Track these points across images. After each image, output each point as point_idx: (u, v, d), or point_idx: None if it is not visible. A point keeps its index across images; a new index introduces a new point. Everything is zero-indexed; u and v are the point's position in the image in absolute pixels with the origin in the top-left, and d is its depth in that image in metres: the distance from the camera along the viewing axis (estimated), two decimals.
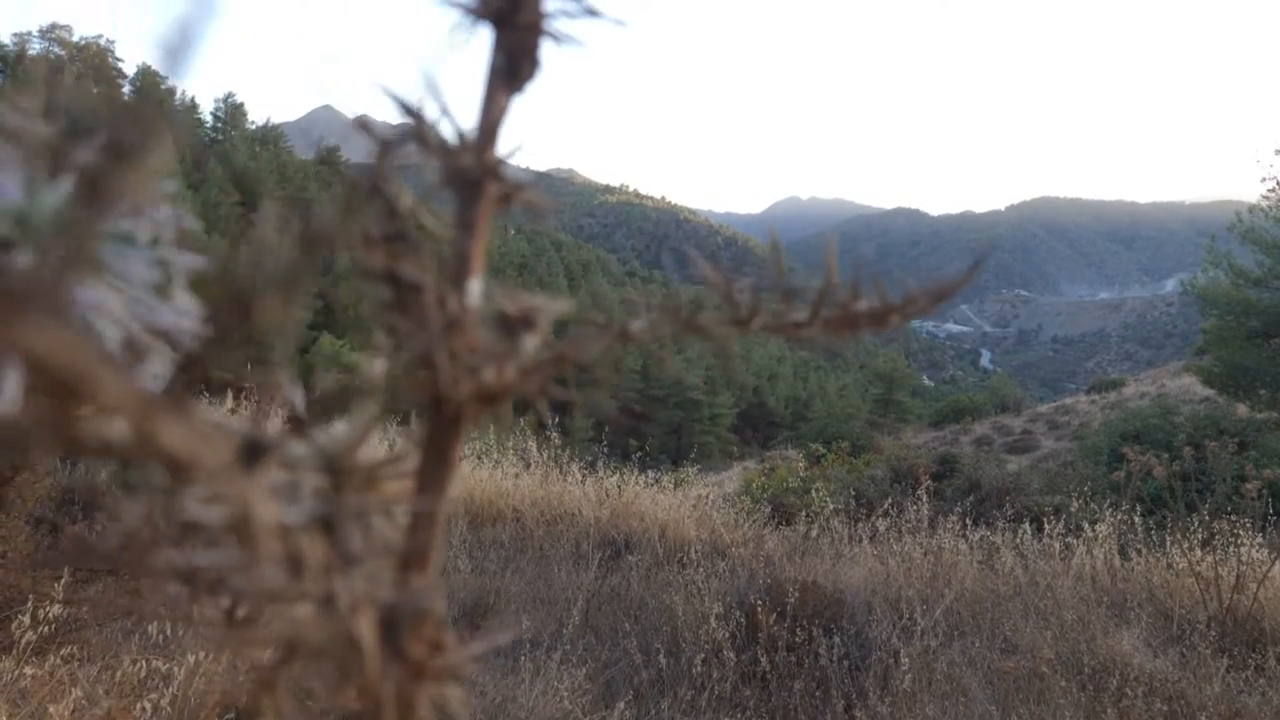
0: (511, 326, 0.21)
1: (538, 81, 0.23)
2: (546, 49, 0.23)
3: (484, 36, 0.26)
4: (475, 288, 0.21)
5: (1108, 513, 6.09)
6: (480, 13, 0.23)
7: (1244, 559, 5.06)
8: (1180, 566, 5.36)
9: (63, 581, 2.87)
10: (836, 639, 4.88)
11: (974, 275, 0.34)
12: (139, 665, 2.63)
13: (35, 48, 45.99)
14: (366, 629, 0.17)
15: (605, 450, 8.65)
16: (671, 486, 8.73)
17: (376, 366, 0.22)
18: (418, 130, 0.22)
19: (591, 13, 0.22)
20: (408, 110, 0.22)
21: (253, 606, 0.34)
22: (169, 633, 2.65)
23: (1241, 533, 5.30)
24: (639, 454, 9.98)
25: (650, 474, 8.77)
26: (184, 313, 0.22)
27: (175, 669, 2.55)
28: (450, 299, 0.20)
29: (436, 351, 0.19)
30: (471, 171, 0.22)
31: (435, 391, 0.20)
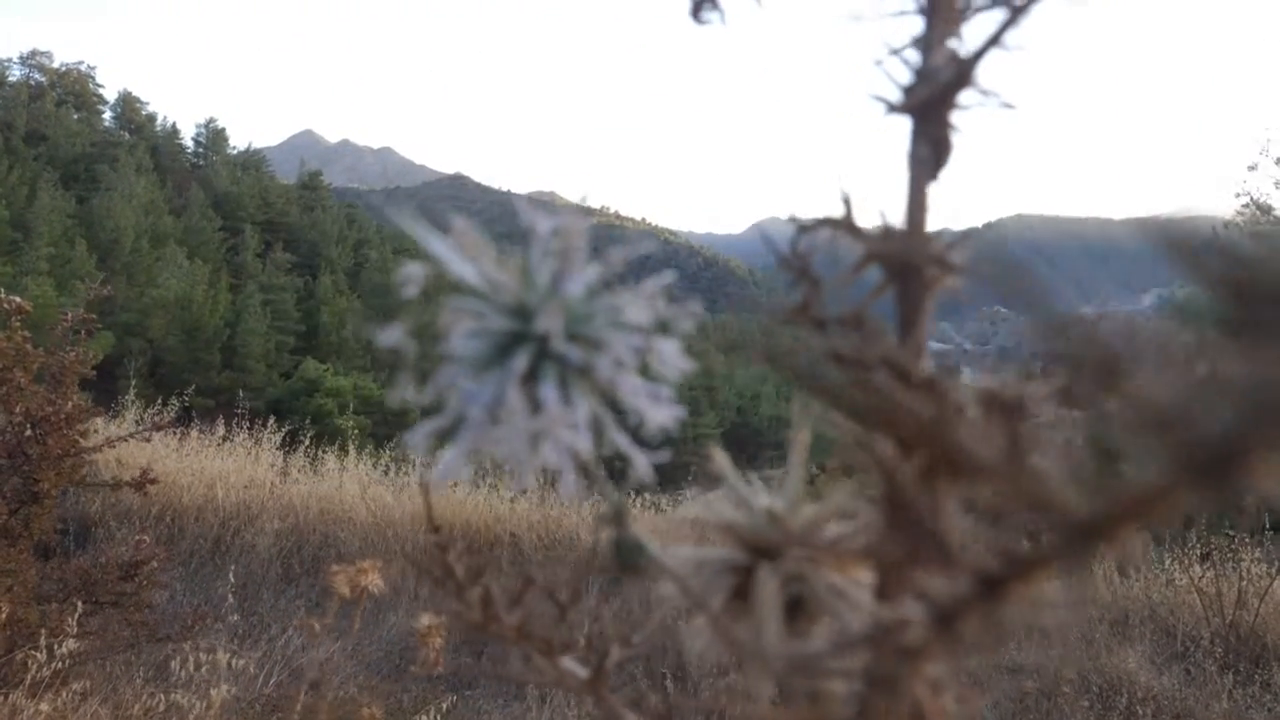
0: (1003, 408, 0.23)
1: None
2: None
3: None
4: (927, 366, 0.23)
5: None
6: (904, 108, 0.24)
7: (1244, 574, 5.10)
8: (1181, 583, 5.40)
9: (76, 615, 2.83)
10: None
11: None
12: (157, 699, 2.59)
13: (15, 74, 45.69)
14: (934, 702, 0.19)
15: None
16: (670, 508, 8.70)
17: (801, 439, 0.23)
18: (845, 219, 0.24)
19: (1007, 106, 0.24)
20: (842, 198, 0.24)
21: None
22: (192, 667, 2.62)
23: (1240, 548, 5.34)
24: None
25: (646, 495, 8.73)
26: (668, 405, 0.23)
27: (196, 701, 2.51)
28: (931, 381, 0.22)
29: (943, 426, 0.21)
30: (913, 258, 0.23)
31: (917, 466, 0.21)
